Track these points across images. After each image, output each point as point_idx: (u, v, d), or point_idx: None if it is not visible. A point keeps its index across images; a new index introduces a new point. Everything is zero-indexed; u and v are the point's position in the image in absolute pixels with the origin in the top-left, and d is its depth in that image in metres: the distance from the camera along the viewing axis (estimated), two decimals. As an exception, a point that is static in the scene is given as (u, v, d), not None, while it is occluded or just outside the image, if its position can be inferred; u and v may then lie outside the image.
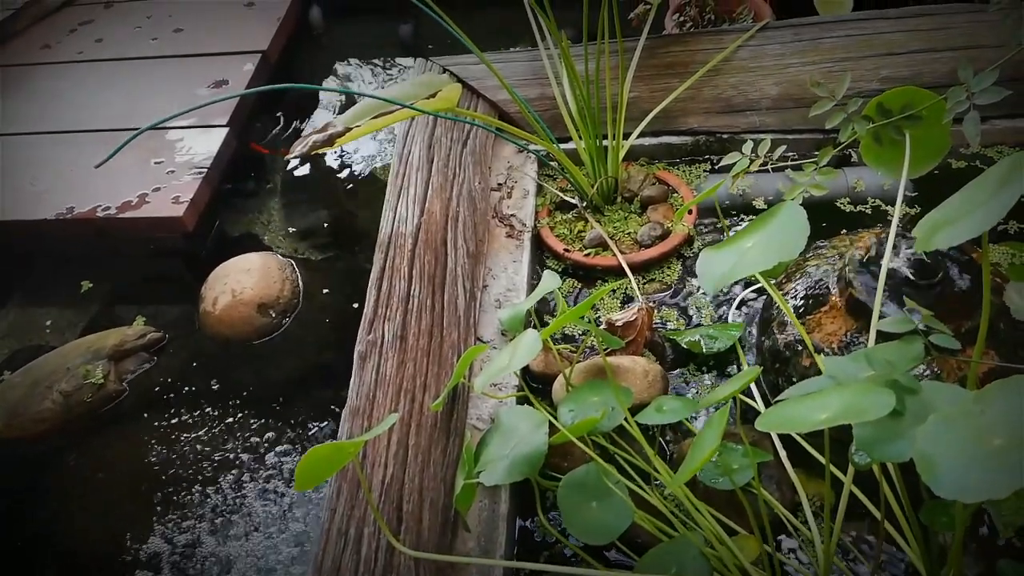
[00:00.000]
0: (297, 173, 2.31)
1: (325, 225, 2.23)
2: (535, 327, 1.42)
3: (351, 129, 1.22)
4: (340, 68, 2.70)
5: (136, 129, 1.23)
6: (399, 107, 1.22)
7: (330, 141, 1.22)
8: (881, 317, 0.95)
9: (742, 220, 1.61)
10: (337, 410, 1.62)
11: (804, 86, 1.65)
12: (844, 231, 1.44)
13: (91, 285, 1.99)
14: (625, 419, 1.10)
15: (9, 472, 1.57)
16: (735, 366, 1.37)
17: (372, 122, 1.22)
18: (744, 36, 1.74)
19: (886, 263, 1.00)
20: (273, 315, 1.84)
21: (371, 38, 2.77)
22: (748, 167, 1.20)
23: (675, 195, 1.60)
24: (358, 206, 2.31)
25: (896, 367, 0.78)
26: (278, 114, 2.50)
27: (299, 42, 2.69)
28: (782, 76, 1.68)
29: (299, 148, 1.23)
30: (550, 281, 1.36)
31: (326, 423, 1.61)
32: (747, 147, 1.22)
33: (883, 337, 0.94)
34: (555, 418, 1.14)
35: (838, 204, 1.59)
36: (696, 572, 0.97)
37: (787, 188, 1.57)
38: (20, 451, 1.59)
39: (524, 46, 2.32)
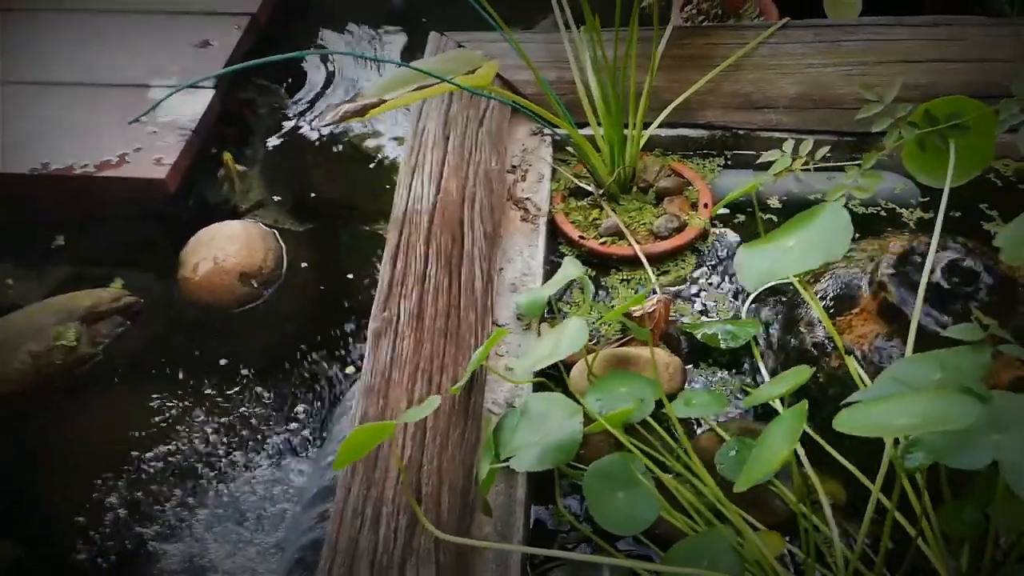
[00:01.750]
0: (282, 141, 2.27)
1: (311, 195, 2.19)
2: (552, 314, 1.40)
3: (385, 100, 1.18)
4: (330, 35, 2.65)
5: (126, 86, 1.19)
6: (436, 80, 1.19)
7: (363, 111, 1.18)
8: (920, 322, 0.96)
9: (764, 217, 1.59)
10: (337, 378, 1.60)
11: (823, 87, 1.66)
12: (857, 235, 1.45)
13: (62, 242, 1.92)
14: (661, 410, 1.10)
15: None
16: (747, 363, 1.37)
17: (409, 94, 1.18)
18: (765, 33, 1.74)
19: (928, 268, 1.01)
20: (255, 285, 1.81)
21: (362, 6, 2.72)
22: (790, 166, 1.20)
23: (690, 188, 1.60)
24: (342, 178, 2.27)
25: (966, 374, 0.78)
26: (275, 80, 2.44)
27: (289, 6, 2.63)
28: (801, 76, 1.68)
29: (330, 117, 1.19)
30: (572, 268, 1.34)
31: (306, 394, 1.60)
32: (788, 146, 1.21)
33: (922, 341, 0.95)
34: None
35: (849, 206, 1.60)
36: (728, 566, 0.97)
37: (799, 189, 1.58)
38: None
39: (520, 28, 2.30)
